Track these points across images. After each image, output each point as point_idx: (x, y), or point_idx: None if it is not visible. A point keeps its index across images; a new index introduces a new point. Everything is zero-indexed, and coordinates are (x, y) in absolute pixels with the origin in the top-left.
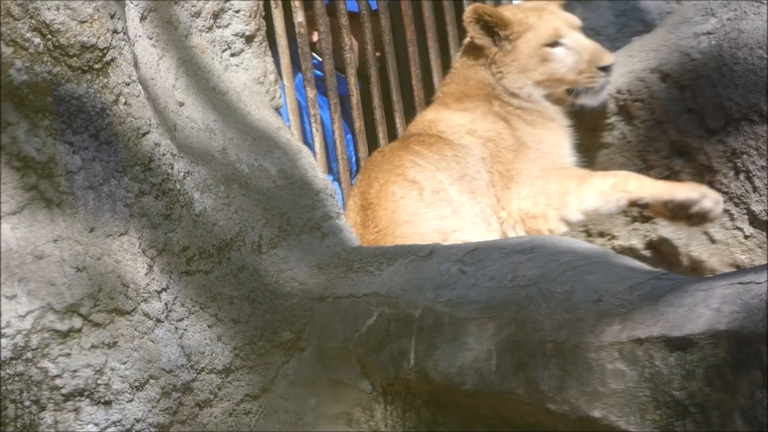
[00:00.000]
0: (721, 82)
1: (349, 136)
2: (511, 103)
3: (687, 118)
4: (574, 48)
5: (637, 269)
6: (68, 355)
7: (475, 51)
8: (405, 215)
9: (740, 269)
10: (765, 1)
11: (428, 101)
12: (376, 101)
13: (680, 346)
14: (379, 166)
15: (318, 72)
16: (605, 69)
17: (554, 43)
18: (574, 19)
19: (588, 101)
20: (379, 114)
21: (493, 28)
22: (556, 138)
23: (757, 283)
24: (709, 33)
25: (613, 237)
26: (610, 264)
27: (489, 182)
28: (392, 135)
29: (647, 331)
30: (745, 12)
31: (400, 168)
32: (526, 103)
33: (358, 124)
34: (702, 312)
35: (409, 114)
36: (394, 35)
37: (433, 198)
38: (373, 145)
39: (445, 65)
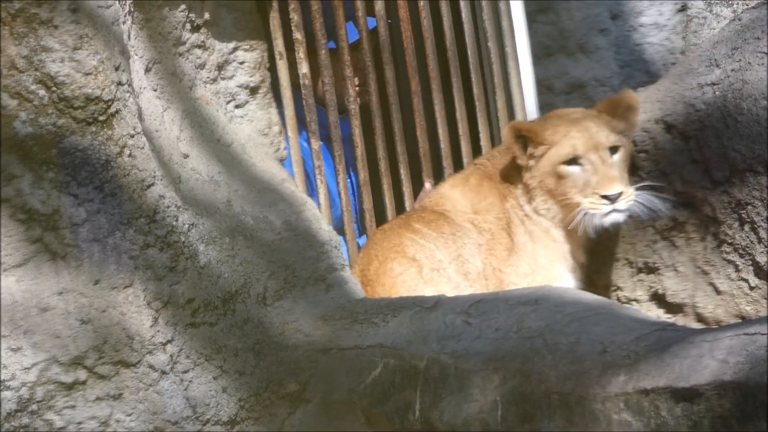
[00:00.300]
0: (725, 133)
1: None
2: (522, 208)
3: (692, 169)
4: (588, 170)
5: (643, 320)
6: (73, 407)
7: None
8: (404, 291)
9: (746, 320)
10: None
11: (434, 153)
12: (381, 152)
13: (686, 397)
14: (379, 244)
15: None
16: (608, 197)
17: (571, 161)
18: (604, 139)
19: (588, 226)
20: (383, 165)
21: (527, 142)
22: (551, 260)
23: (762, 334)
24: (714, 84)
25: (618, 288)
26: (615, 315)
27: (482, 272)
28: (396, 186)
29: (653, 382)
30: (749, 63)
31: (400, 246)
32: (533, 215)
33: (363, 175)
34: (708, 363)
35: (414, 166)
36: (398, 86)
37: (432, 275)
38: (377, 196)
39: (450, 117)
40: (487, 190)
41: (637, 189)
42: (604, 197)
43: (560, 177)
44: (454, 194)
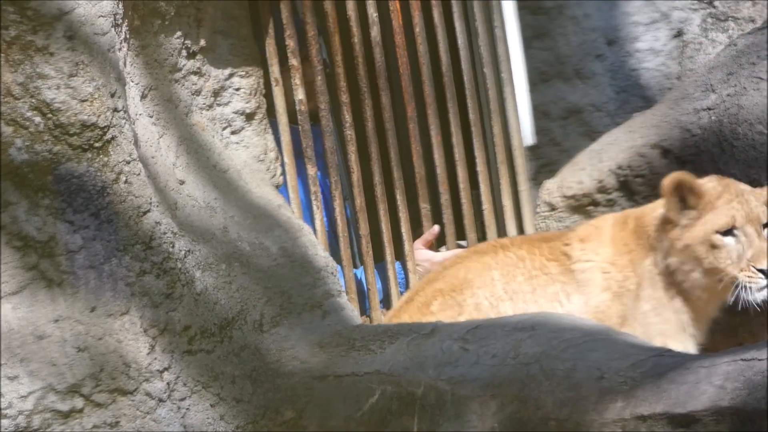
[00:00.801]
0: (721, 158)
1: None
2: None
3: None
4: (743, 242)
5: (640, 346)
6: None
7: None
8: None
9: (743, 346)
10: (765, 78)
11: (430, 179)
12: (377, 178)
13: (683, 423)
14: None
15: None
16: (763, 272)
17: (727, 232)
18: (761, 214)
19: (743, 299)
20: (380, 191)
21: (686, 198)
22: (674, 326)
23: (759, 360)
24: (710, 109)
25: None
26: (612, 341)
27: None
28: (393, 212)
29: (650, 408)
30: (744, 88)
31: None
32: (680, 277)
33: (359, 201)
34: (705, 389)
35: (410, 191)
36: (394, 111)
37: None
38: (373, 222)
39: (446, 142)
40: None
41: None
42: (760, 271)
43: (713, 246)
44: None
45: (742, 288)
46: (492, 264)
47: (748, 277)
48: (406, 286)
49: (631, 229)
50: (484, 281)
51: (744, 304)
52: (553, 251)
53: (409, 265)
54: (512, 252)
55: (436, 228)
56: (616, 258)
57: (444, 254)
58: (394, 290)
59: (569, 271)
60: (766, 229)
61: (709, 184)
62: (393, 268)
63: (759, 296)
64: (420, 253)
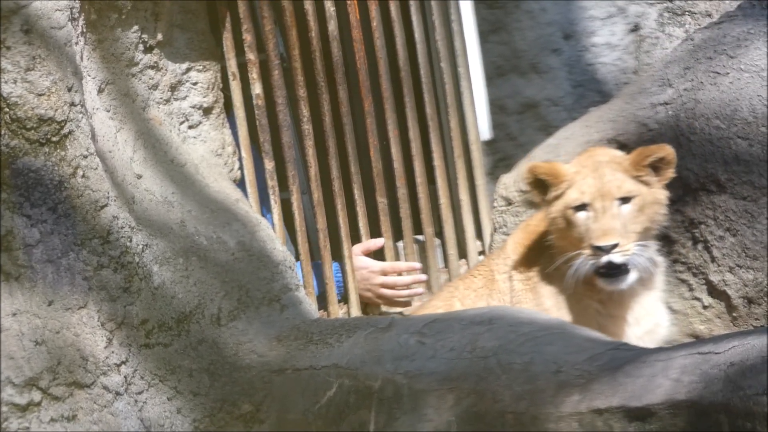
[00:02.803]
0: (678, 152)
1: None
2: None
3: None
4: (591, 218)
5: (596, 340)
6: (27, 428)
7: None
8: None
9: (699, 339)
10: (721, 72)
11: (387, 173)
12: (335, 172)
13: (639, 416)
14: None
15: None
16: (600, 248)
17: (580, 208)
18: (614, 188)
19: (578, 276)
20: (337, 185)
21: (546, 182)
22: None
23: (716, 353)
24: (666, 103)
25: None
26: (569, 335)
27: None
28: (350, 206)
29: (606, 402)
30: (701, 82)
31: None
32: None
33: (317, 195)
34: (661, 382)
35: (368, 185)
36: (351, 106)
37: None
38: (331, 217)
39: (403, 137)
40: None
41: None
42: (597, 248)
43: (569, 222)
44: None
45: (581, 264)
46: (454, 293)
47: (588, 254)
48: (344, 287)
49: (529, 231)
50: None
51: (576, 280)
52: (482, 268)
53: (348, 266)
54: (470, 277)
55: (381, 241)
56: (518, 263)
57: (381, 264)
58: (347, 287)
59: (493, 283)
60: (623, 203)
61: (564, 167)
62: (351, 263)
63: (585, 270)
64: (358, 260)
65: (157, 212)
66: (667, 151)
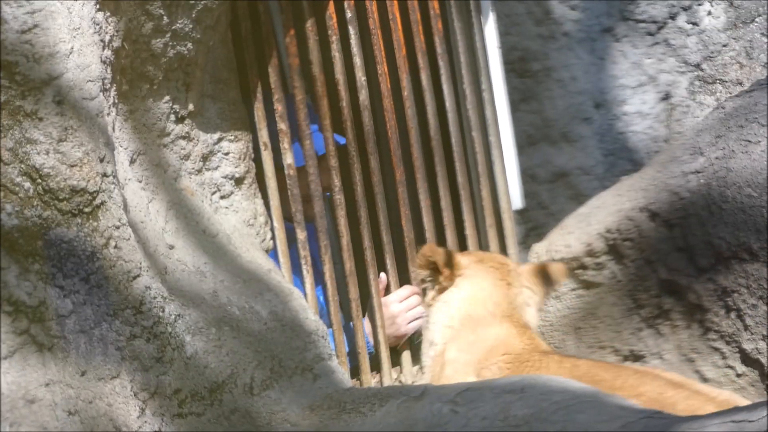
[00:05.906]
0: (710, 221)
1: None
2: None
3: (676, 257)
4: None
5: (629, 408)
6: None
7: None
8: None
9: (733, 408)
10: (753, 140)
11: (419, 243)
12: (366, 242)
13: None
14: None
15: None
16: None
17: None
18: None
19: None
20: (369, 255)
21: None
22: None
23: (750, 422)
24: (698, 172)
25: None
26: (601, 403)
27: None
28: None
29: None
30: (733, 151)
31: None
32: None
33: (349, 265)
34: None
35: (400, 255)
36: (383, 175)
37: None
38: (363, 287)
39: (435, 206)
40: None
41: None
42: None
43: None
44: None
45: None
46: None
47: None
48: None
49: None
50: None
51: None
52: None
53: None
54: None
55: (383, 277)
56: None
57: (393, 294)
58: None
59: None
60: None
61: (459, 258)
62: (383, 332)
63: None
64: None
65: (190, 282)
66: (561, 270)
